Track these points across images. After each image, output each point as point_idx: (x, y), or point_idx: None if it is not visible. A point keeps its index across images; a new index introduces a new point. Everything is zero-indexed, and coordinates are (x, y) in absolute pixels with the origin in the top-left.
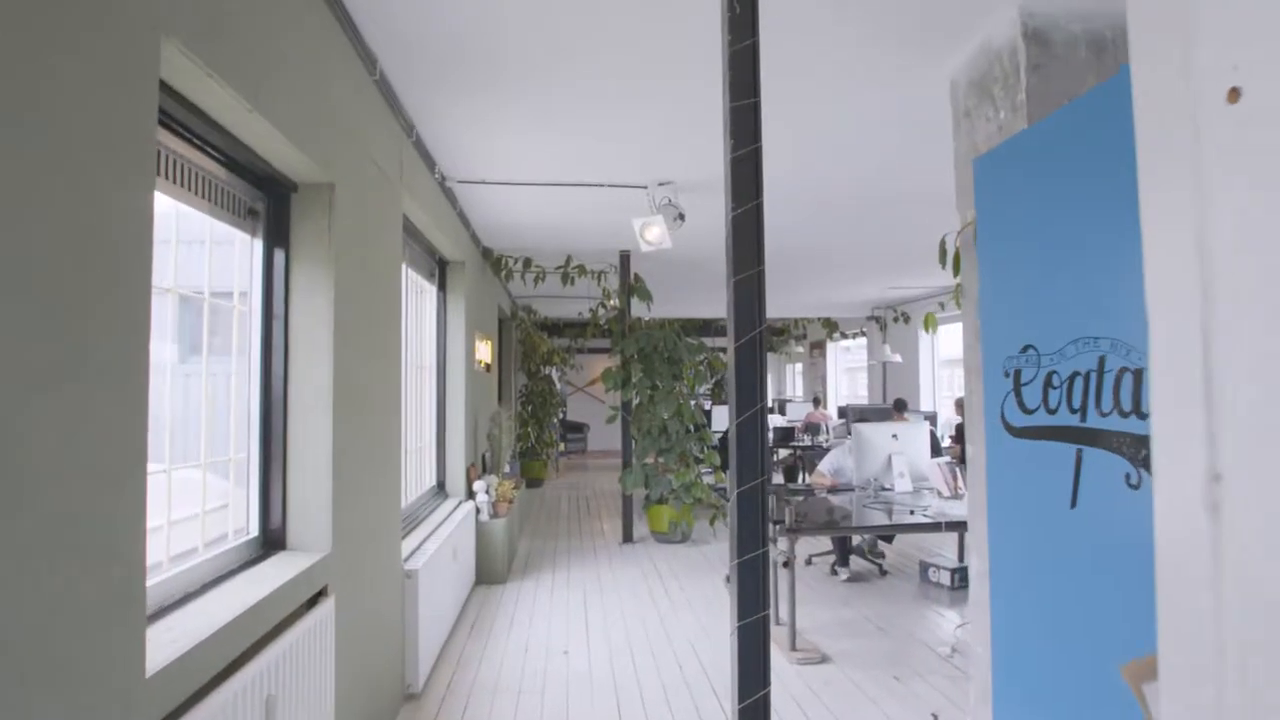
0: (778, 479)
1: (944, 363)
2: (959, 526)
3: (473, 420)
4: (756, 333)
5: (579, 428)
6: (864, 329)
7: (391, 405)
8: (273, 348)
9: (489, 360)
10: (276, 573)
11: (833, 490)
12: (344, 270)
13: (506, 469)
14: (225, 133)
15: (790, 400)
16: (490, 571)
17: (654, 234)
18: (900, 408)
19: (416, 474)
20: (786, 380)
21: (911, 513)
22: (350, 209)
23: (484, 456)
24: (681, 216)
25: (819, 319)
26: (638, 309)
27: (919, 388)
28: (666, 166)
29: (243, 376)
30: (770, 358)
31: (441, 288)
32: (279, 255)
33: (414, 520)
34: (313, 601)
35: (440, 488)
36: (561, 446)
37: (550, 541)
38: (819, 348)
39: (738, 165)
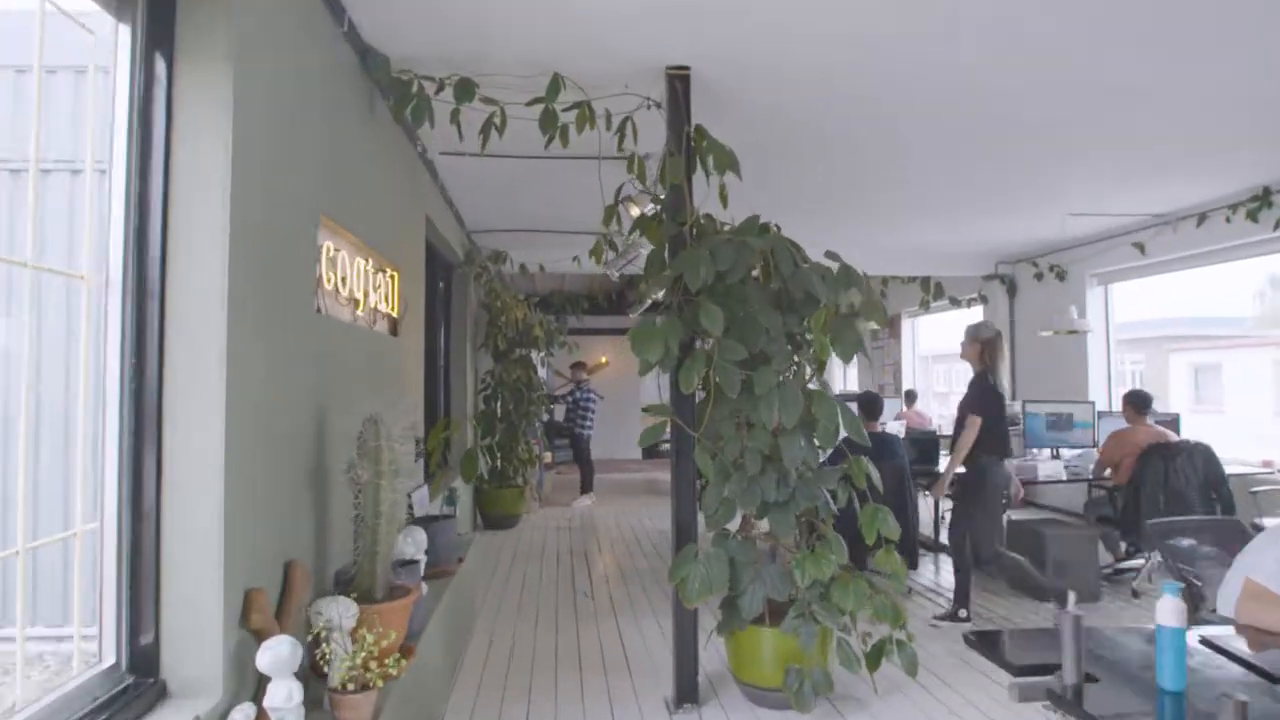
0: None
1: (1123, 342)
2: None
3: (294, 445)
4: None
5: (570, 431)
6: (982, 292)
7: None
8: None
9: (394, 311)
10: None
11: None
12: None
13: (395, 576)
14: None
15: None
16: None
17: None
18: (1141, 406)
19: None
20: (835, 369)
21: None
22: None
23: (358, 527)
24: None
25: (909, 279)
26: (702, 201)
27: (1086, 378)
28: None
29: None
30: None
31: (161, 46)
32: None
33: None
34: None
35: (141, 674)
36: (548, 457)
37: (512, 705)
38: (891, 324)
39: None
